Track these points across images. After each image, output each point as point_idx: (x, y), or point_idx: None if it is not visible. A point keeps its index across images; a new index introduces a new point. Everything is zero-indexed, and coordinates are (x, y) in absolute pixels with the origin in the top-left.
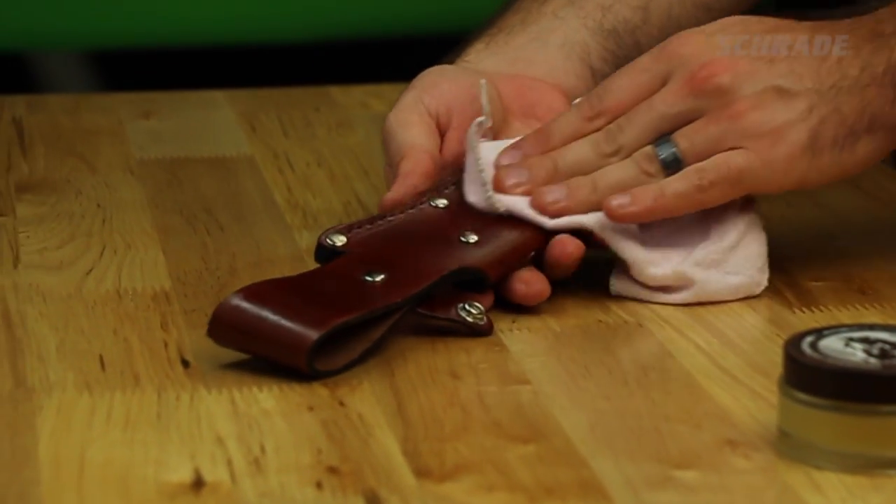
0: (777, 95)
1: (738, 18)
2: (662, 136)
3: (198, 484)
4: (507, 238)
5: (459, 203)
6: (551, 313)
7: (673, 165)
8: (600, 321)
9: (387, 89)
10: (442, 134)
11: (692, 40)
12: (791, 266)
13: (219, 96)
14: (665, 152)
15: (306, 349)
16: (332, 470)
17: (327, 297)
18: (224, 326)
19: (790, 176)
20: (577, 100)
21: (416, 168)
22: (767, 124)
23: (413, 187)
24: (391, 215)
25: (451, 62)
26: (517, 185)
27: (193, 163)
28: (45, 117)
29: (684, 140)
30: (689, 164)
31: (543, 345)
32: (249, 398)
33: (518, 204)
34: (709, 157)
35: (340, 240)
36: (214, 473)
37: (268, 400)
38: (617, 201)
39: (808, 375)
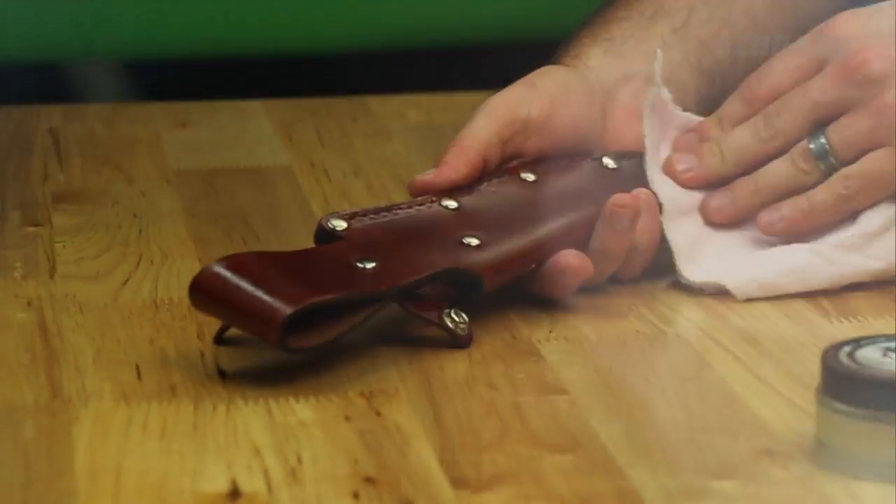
0: None
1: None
2: (817, 127)
3: (234, 494)
4: (510, 246)
5: (469, 207)
6: (588, 323)
7: (822, 158)
8: (637, 331)
9: (424, 99)
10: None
11: (850, 22)
12: None
13: (255, 106)
14: (816, 145)
15: (278, 323)
16: (369, 480)
17: (311, 276)
18: (202, 293)
19: None
20: None
21: (459, 161)
22: None
23: (448, 180)
24: (397, 208)
25: (560, 60)
26: (687, 170)
27: (230, 173)
28: (82, 127)
29: (835, 134)
30: (838, 157)
31: (580, 354)
32: (286, 408)
33: (679, 196)
34: (857, 151)
35: (341, 225)
36: (251, 484)
37: (304, 410)
38: (767, 218)
39: (845, 385)
